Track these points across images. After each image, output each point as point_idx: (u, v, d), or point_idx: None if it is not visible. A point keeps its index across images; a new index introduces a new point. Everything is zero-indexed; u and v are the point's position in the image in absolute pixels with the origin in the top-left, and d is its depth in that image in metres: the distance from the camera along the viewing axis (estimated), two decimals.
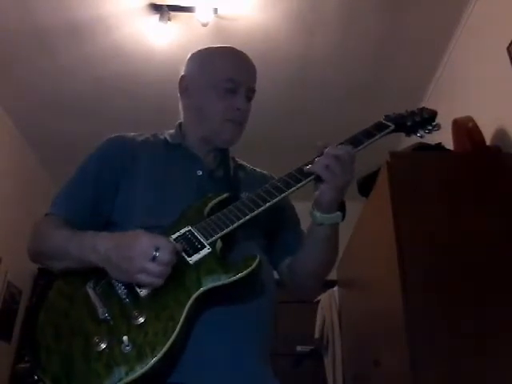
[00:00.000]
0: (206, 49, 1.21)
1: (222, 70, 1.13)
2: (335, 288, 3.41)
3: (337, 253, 1.10)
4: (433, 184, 1.95)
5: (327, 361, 3.48)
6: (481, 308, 1.70)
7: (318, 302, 3.67)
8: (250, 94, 1.15)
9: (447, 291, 1.73)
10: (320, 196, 0.99)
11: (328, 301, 3.57)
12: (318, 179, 0.98)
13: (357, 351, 2.60)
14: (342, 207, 1.02)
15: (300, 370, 3.74)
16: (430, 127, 1.16)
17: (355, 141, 1.05)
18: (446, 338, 1.65)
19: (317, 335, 3.56)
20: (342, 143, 1.04)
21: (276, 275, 1.16)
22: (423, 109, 1.19)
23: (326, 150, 0.97)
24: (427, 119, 1.16)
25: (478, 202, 1.91)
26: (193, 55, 1.21)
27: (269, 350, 1.02)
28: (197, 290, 0.84)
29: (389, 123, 1.11)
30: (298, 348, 3.98)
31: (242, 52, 1.19)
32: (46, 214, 1.05)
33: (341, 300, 3.27)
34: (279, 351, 3.54)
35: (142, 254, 0.82)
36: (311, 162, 1.00)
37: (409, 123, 1.14)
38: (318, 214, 1.00)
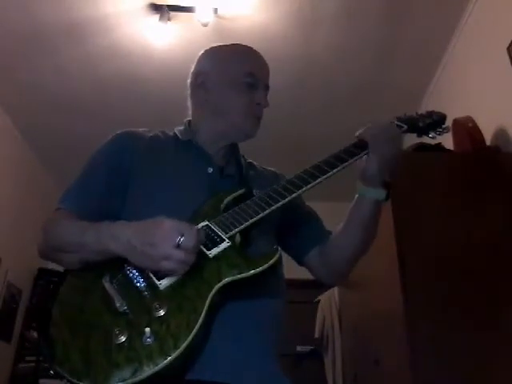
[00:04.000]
0: (222, 45, 1.22)
1: (243, 65, 1.14)
2: (335, 288, 3.41)
3: (375, 234, 1.11)
4: (433, 184, 1.96)
5: (327, 361, 3.49)
6: (481, 308, 1.70)
7: (318, 301, 3.67)
8: (267, 90, 1.17)
9: (447, 291, 1.73)
10: (365, 167, 1.02)
11: (328, 301, 3.57)
12: (363, 150, 1.03)
13: (357, 351, 2.60)
14: (387, 188, 1.05)
15: (300, 370, 3.74)
16: (440, 129, 1.20)
17: None
18: (446, 338, 1.65)
19: (317, 335, 3.56)
20: (355, 142, 1.07)
21: (289, 274, 1.15)
22: (432, 112, 1.22)
23: (370, 124, 1.05)
24: (437, 121, 1.19)
25: (478, 201, 1.91)
26: (209, 51, 1.21)
27: (278, 348, 1.02)
28: (218, 283, 0.83)
29: (402, 124, 1.14)
30: (298, 348, 3.98)
31: (256, 50, 1.22)
32: (57, 209, 1.04)
33: (341, 300, 3.27)
34: (279, 351, 3.54)
35: (167, 240, 0.80)
36: (321, 164, 1.02)
37: (421, 124, 1.17)
38: (361, 186, 1.05)
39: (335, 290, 3.45)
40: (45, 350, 0.81)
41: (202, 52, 1.22)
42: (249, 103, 1.12)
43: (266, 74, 1.18)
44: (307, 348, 3.89)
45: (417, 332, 1.67)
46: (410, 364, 1.63)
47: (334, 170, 1.01)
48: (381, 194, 1.04)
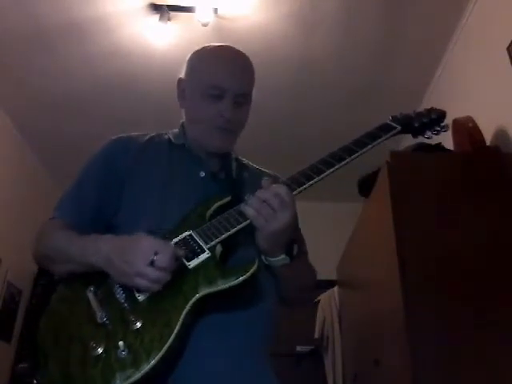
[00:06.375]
0: (198, 51, 1.17)
1: (208, 76, 1.09)
2: (335, 288, 3.41)
3: (307, 280, 1.13)
4: (433, 184, 1.95)
5: (327, 361, 3.49)
6: (481, 308, 1.70)
7: (318, 301, 3.67)
8: (240, 99, 1.10)
9: (447, 291, 1.73)
10: (257, 242, 0.95)
11: (328, 301, 3.57)
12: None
13: (357, 351, 2.60)
14: (290, 246, 1.00)
15: (300, 370, 3.74)
16: (438, 128, 1.15)
17: (360, 143, 1.03)
18: (446, 338, 1.65)
19: (317, 335, 3.56)
20: (344, 146, 1.03)
21: None
22: (431, 109, 1.18)
23: (257, 191, 0.93)
24: (435, 120, 1.15)
25: (478, 201, 1.91)
26: (189, 58, 1.18)
27: (268, 350, 1.02)
28: (193, 296, 0.83)
29: (395, 124, 1.10)
30: (298, 348, 3.98)
31: (234, 53, 1.14)
32: (51, 218, 1.05)
33: (341, 300, 3.27)
34: (279, 351, 3.55)
35: (141, 257, 0.82)
36: (307, 171, 0.99)
37: (416, 124, 1.13)
38: (263, 257, 0.98)
39: (335, 290, 3.45)
40: (30, 360, 0.83)
41: (188, 56, 1.19)
42: (213, 116, 1.07)
43: (237, 83, 1.09)
44: (307, 348, 3.88)
45: (417, 332, 1.66)
46: (410, 364, 1.63)
47: (325, 173, 0.99)
48: (284, 259, 0.98)
